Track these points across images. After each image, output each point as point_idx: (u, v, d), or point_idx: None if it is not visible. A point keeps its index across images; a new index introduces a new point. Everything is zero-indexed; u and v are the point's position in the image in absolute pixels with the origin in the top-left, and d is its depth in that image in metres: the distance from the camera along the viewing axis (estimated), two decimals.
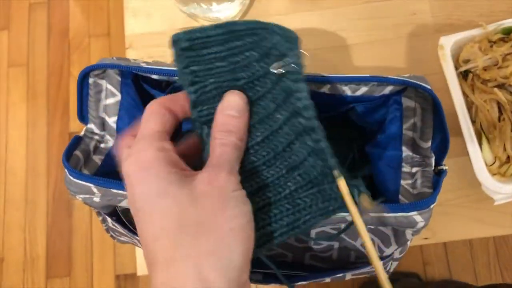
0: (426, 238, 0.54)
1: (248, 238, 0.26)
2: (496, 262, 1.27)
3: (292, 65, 0.30)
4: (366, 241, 0.28)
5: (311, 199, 0.29)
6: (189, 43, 0.31)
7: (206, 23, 0.59)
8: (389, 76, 0.37)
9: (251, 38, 0.31)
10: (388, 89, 0.38)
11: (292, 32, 0.32)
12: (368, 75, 0.38)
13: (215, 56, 0.31)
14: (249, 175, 0.29)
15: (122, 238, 0.45)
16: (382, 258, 0.40)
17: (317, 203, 0.29)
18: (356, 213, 0.28)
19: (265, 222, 0.29)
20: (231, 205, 0.26)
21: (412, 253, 1.27)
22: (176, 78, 0.38)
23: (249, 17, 0.61)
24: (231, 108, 0.29)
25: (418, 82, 0.36)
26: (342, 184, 0.29)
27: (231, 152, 0.28)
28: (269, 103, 0.30)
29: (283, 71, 0.30)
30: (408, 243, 0.39)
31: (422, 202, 0.33)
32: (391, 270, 0.44)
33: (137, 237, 0.41)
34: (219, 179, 0.26)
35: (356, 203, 0.29)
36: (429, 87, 0.36)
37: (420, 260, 1.27)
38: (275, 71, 0.30)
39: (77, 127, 1.46)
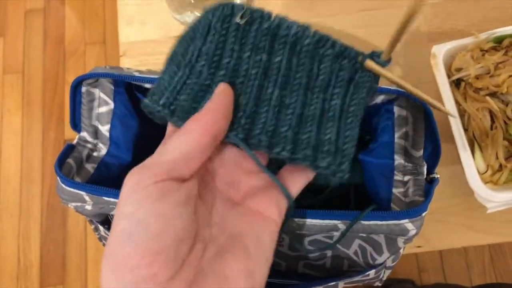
0: (419, 247, 0.54)
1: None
2: (492, 271, 1.27)
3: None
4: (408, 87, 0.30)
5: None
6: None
7: None
8: (381, 86, 0.37)
9: None
10: (380, 98, 0.39)
11: None
12: None
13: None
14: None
15: None
16: (374, 266, 0.40)
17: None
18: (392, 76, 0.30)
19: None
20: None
21: (407, 260, 1.27)
22: None
23: None
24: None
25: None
26: (369, 63, 0.30)
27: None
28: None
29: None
30: (401, 251, 0.39)
31: (413, 210, 0.33)
32: (384, 278, 0.44)
33: None
34: None
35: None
36: None
37: (416, 267, 1.27)
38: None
39: (72, 134, 1.45)
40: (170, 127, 0.32)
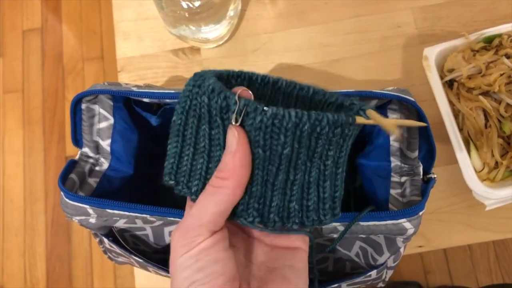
0: (421, 246, 0.54)
1: None
2: (497, 268, 1.27)
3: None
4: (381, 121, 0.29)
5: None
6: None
7: (196, 44, 0.60)
8: (373, 90, 0.38)
9: None
10: (373, 103, 0.39)
11: None
12: (352, 90, 0.39)
13: None
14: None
15: (120, 259, 0.46)
16: (376, 266, 0.41)
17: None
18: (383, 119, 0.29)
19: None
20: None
21: (412, 262, 1.27)
22: (167, 100, 0.39)
23: (238, 36, 0.62)
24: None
25: (402, 95, 0.37)
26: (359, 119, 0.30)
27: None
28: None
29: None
30: (401, 250, 0.40)
31: (410, 209, 0.34)
32: (387, 279, 0.45)
33: (134, 257, 0.42)
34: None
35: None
36: (412, 99, 0.38)
37: (421, 269, 1.27)
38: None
39: (73, 151, 1.46)
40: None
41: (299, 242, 0.33)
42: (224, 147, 0.30)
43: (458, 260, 1.28)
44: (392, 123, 0.29)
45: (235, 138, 0.28)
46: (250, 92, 0.31)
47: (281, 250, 0.32)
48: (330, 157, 0.31)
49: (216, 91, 0.29)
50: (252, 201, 0.30)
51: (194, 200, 0.31)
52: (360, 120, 0.30)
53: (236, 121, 0.28)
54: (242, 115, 0.28)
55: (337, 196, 0.32)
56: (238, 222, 0.30)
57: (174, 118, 0.31)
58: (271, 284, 0.30)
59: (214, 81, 0.29)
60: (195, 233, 0.28)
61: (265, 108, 0.28)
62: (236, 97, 0.28)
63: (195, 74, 0.31)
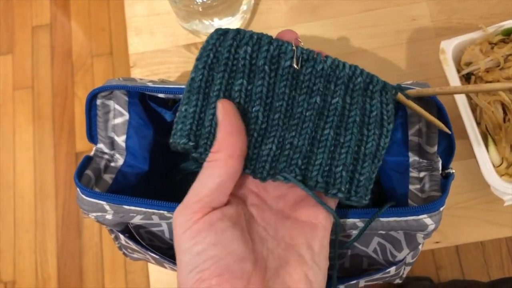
0: (437, 242, 0.54)
1: None
2: (510, 263, 1.26)
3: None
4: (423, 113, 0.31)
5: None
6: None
7: None
8: (393, 84, 0.37)
9: None
10: None
11: None
12: None
13: None
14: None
15: (135, 255, 0.46)
16: (394, 263, 0.40)
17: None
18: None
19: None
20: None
21: (424, 257, 1.26)
22: (182, 95, 0.39)
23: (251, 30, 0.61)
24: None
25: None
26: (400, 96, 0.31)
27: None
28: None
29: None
30: (420, 246, 0.39)
31: (431, 205, 0.34)
32: (404, 275, 0.44)
33: (149, 253, 0.41)
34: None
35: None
36: None
37: (433, 264, 1.26)
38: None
39: (83, 146, 1.47)
40: None
41: (320, 216, 0.31)
42: (266, 102, 0.29)
43: (470, 255, 1.27)
44: (423, 113, 0.30)
45: (219, 111, 0.28)
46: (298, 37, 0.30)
47: (301, 224, 0.31)
48: (389, 133, 0.30)
49: (265, 39, 0.29)
50: (296, 157, 0.29)
51: None
52: (401, 97, 0.30)
53: (298, 65, 0.28)
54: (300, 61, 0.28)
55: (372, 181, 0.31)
56: (280, 179, 0.29)
57: (192, 75, 0.30)
58: (289, 267, 0.28)
59: (254, 32, 0.29)
60: (192, 210, 0.27)
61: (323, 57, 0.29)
62: (293, 44, 0.28)
63: (217, 30, 0.30)
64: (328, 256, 0.31)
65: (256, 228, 0.30)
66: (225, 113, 0.28)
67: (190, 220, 0.27)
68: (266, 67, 0.29)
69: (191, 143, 0.29)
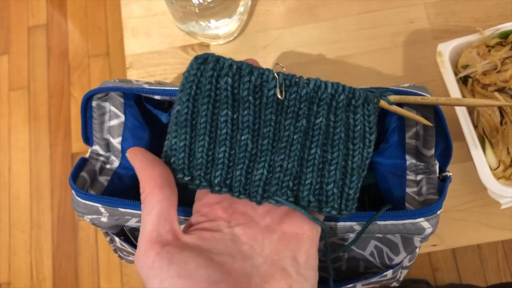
0: (434, 245, 0.54)
1: None
2: (506, 266, 1.26)
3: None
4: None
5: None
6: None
7: (205, 40, 0.59)
8: (390, 87, 0.37)
9: None
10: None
11: None
12: (368, 86, 0.38)
13: None
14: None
15: (130, 258, 0.45)
16: (391, 266, 0.40)
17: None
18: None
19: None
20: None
21: (420, 260, 1.26)
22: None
23: (247, 32, 0.61)
24: None
25: (419, 92, 0.37)
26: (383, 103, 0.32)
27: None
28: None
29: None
30: (417, 250, 0.39)
31: (428, 208, 0.33)
32: (401, 279, 0.44)
33: None
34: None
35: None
36: (430, 96, 0.37)
37: (429, 267, 1.26)
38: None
39: (79, 147, 1.46)
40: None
41: (306, 227, 0.31)
42: (253, 128, 0.29)
43: (466, 258, 1.27)
44: (405, 113, 0.31)
45: (129, 159, 0.30)
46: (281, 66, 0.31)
47: (287, 237, 0.31)
48: (371, 144, 0.30)
49: (245, 69, 0.29)
50: (287, 179, 0.29)
51: (217, 192, 0.30)
52: (383, 104, 0.31)
53: (281, 93, 0.28)
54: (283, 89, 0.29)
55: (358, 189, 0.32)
56: (271, 203, 0.30)
57: (177, 108, 0.30)
58: (272, 281, 0.28)
59: (233, 60, 0.29)
60: (145, 249, 0.27)
61: (305, 80, 0.29)
62: (274, 72, 0.28)
63: (196, 58, 0.30)
64: (317, 267, 0.31)
65: (240, 247, 0.30)
66: (133, 157, 0.30)
67: (148, 259, 0.27)
68: (251, 98, 0.29)
69: (186, 178, 0.30)
